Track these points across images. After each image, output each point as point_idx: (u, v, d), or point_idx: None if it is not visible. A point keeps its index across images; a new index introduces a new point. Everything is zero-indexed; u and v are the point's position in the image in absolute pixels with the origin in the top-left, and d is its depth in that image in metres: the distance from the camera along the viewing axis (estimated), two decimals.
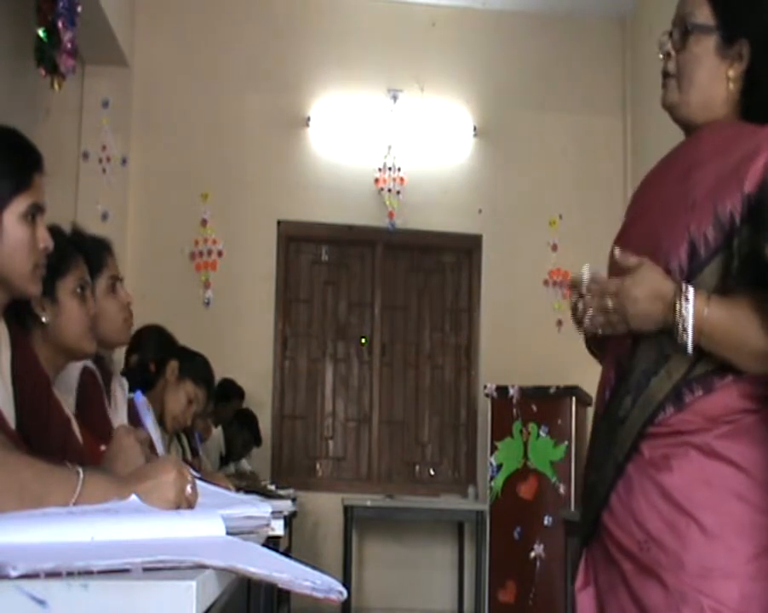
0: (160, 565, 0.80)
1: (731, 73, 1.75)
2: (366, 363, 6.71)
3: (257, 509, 1.35)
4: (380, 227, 6.58)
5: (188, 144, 6.45)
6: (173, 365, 3.19)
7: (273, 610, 3.38)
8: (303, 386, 6.66)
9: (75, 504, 1.12)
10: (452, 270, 6.84)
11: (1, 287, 1.66)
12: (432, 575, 6.43)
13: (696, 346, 1.60)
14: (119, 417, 2.49)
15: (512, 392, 5.87)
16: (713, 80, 1.76)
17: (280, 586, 0.85)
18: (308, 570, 0.88)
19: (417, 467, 6.70)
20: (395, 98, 6.63)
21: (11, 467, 1.13)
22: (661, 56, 1.83)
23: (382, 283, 6.75)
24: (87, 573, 0.76)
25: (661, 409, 1.65)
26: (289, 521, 4.91)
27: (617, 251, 1.66)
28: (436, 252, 6.81)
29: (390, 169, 6.57)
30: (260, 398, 6.34)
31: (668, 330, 1.62)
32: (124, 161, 6.27)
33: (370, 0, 6.78)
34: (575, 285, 1.76)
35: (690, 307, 1.58)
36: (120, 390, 2.55)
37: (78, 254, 2.10)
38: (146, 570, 0.79)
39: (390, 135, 6.60)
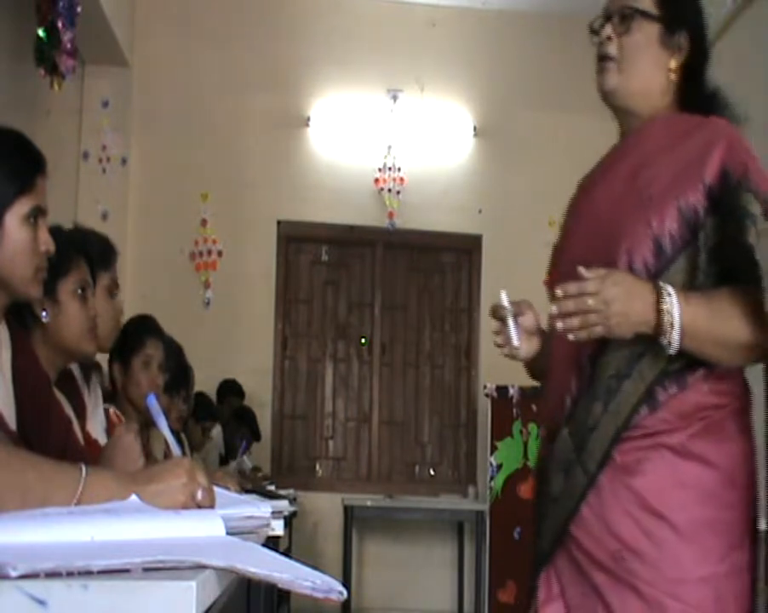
0: (160, 565, 0.80)
1: (673, 64, 1.76)
2: (366, 363, 6.71)
3: (257, 509, 1.35)
4: (380, 227, 6.58)
5: (188, 144, 6.44)
6: (116, 368, 2.98)
7: (273, 610, 3.38)
8: (303, 386, 6.66)
9: (79, 503, 1.11)
10: (452, 270, 6.83)
11: (2, 289, 1.66)
12: (431, 575, 6.43)
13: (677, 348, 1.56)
14: (98, 413, 2.48)
15: (512, 392, 5.87)
16: (655, 69, 1.76)
17: (280, 586, 0.85)
18: (308, 570, 0.88)
19: (417, 467, 6.70)
20: (395, 98, 6.63)
21: (14, 467, 1.13)
22: (596, 40, 1.81)
23: (382, 283, 6.75)
24: (87, 573, 0.75)
25: (635, 413, 1.62)
26: (289, 521, 4.91)
27: (581, 270, 1.55)
28: (436, 252, 6.80)
29: (390, 169, 6.57)
30: (260, 398, 6.34)
31: (643, 333, 1.56)
32: (124, 161, 6.27)
33: (370, 0, 6.78)
34: (496, 312, 1.78)
35: (674, 305, 1.54)
36: (96, 391, 2.51)
37: (79, 254, 2.10)
38: (146, 570, 0.79)
39: (390, 135, 6.60)
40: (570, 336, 1.56)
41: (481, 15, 6.80)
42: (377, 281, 6.75)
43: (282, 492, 4.24)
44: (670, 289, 1.55)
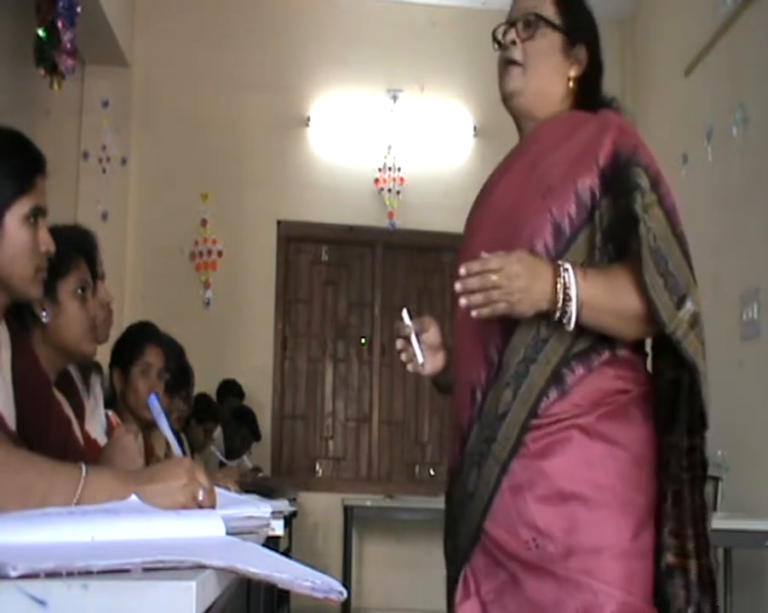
0: (160, 565, 0.80)
1: (572, 73, 1.85)
2: (366, 363, 6.71)
3: (257, 509, 1.35)
4: (380, 227, 6.58)
5: (188, 144, 6.44)
6: (115, 375, 2.96)
7: (273, 610, 3.38)
8: (303, 386, 6.66)
9: (79, 502, 1.11)
10: (452, 270, 6.82)
11: (2, 289, 1.66)
12: (432, 575, 6.39)
13: (576, 322, 1.61)
14: (97, 414, 2.47)
15: None
16: (556, 75, 1.84)
17: (280, 586, 0.85)
18: (308, 570, 0.88)
19: (417, 467, 6.70)
20: (395, 98, 6.63)
21: (14, 467, 1.13)
22: (497, 46, 1.88)
23: (382, 283, 6.75)
24: (87, 573, 0.76)
25: (544, 396, 1.65)
26: (289, 521, 4.91)
27: (483, 254, 1.59)
28: (436, 252, 6.80)
29: (390, 169, 6.57)
30: (260, 398, 6.33)
31: (544, 314, 1.62)
32: (124, 161, 6.27)
33: (370, 0, 6.78)
34: (399, 331, 1.81)
35: (571, 278, 1.59)
36: (96, 392, 2.51)
37: (79, 254, 2.10)
38: (145, 570, 0.79)
39: (390, 135, 6.60)
40: (474, 313, 1.59)
41: (481, 15, 6.78)
42: (377, 281, 6.75)
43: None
44: (567, 265, 1.60)
